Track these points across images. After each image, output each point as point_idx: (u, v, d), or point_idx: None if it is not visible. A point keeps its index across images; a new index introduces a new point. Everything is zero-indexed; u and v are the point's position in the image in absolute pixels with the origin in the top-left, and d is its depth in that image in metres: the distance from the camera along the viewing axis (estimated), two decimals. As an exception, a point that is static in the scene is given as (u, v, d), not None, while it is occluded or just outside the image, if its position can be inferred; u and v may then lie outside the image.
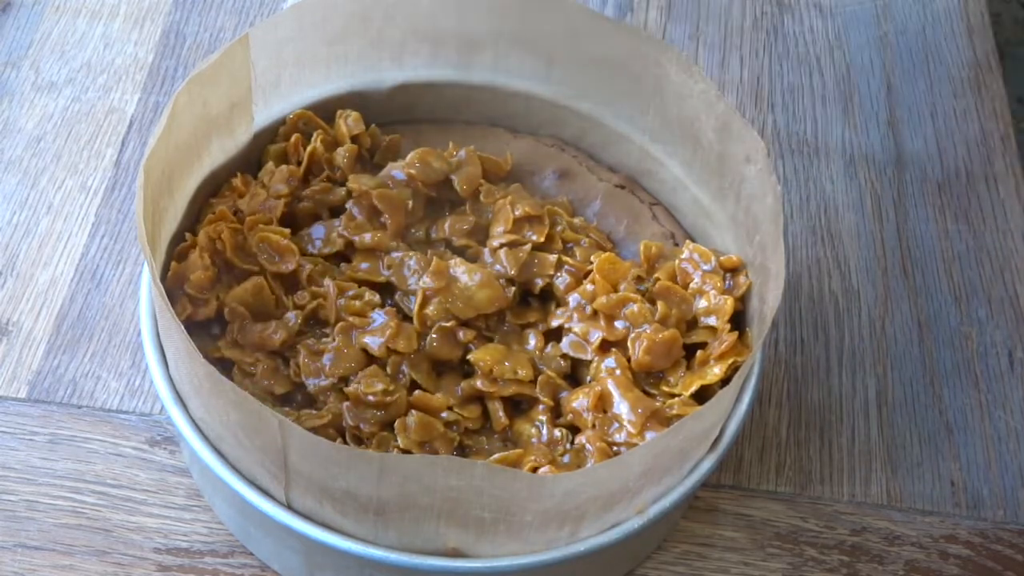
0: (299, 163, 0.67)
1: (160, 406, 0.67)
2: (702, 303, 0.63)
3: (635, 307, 0.62)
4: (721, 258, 0.64)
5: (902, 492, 0.68)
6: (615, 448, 0.59)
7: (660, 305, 0.62)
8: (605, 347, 0.62)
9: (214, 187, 0.66)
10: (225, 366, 0.61)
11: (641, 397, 0.60)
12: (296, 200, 0.66)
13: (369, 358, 0.61)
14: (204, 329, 0.62)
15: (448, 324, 0.62)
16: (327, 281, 0.63)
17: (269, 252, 0.63)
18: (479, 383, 0.61)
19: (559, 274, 0.65)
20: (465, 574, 0.55)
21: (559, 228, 0.67)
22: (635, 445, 0.57)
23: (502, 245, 0.65)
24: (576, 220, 0.68)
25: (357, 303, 0.62)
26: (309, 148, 0.67)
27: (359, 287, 0.63)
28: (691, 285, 0.64)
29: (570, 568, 0.57)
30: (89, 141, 0.79)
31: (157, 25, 0.86)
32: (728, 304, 0.62)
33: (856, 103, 0.86)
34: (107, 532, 0.63)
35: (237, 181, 0.65)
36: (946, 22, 0.91)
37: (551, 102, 0.71)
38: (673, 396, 0.60)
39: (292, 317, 0.62)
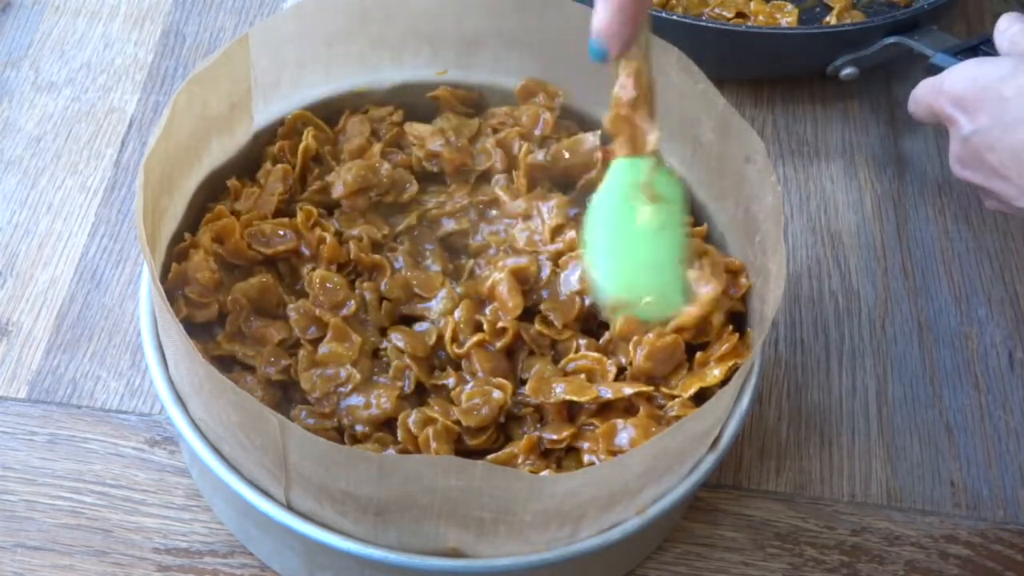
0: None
1: (160, 406, 0.67)
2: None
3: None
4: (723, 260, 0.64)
5: (902, 492, 0.68)
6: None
7: None
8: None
9: (213, 187, 0.66)
10: (225, 365, 0.61)
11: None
12: (293, 200, 0.66)
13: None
14: (204, 329, 0.62)
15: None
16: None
17: (261, 239, 0.63)
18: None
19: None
20: (465, 574, 0.55)
21: None
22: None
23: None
24: None
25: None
26: (301, 145, 0.66)
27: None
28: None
29: (570, 568, 0.57)
30: (89, 141, 0.79)
31: (157, 25, 0.86)
32: (691, 319, 0.61)
33: (856, 103, 0.86)
34: (106, 532, 0.63)
35: (234, 183, 0.65)
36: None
37: (551, 102, 0.71)
38: (673, 397, 0.60)
39: (298, 331, 0.62)
